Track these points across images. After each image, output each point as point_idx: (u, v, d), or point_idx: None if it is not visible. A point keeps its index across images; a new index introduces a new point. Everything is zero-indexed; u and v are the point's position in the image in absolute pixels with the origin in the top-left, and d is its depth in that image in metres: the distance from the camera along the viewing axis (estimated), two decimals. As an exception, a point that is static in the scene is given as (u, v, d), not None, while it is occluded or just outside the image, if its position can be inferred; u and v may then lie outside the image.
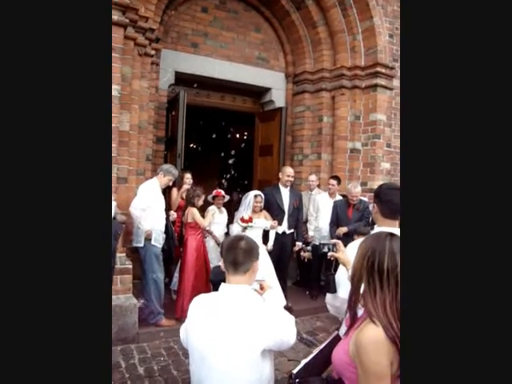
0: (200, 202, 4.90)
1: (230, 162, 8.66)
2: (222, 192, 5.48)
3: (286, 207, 5.38)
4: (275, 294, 1.98)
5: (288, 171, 5.47)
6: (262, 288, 2.01)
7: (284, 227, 5.35)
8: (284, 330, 1.78)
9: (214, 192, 5.49)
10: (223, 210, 5.49)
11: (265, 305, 1.83)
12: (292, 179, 5.48)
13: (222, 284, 1.85)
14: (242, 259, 1.81)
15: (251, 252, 1.84)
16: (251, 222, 4.87)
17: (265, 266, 4.55)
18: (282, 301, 4.13)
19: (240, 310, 1.74)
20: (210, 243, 5.27)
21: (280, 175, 5.55)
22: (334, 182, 5.75)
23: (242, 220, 4.89)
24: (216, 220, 5.31)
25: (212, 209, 5.30)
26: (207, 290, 4.69)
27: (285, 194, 5.43)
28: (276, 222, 5.14)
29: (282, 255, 5.34)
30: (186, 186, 5.16)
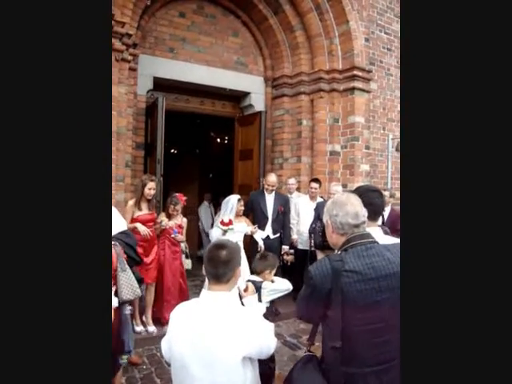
0: (173, 211, 4.73)
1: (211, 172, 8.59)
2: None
3: (269, 213, 5.36)
4: (255, 301, 1.97)
5: (269, 180, 5.42)
6: (246, 290, 2.00)
7: (268, 232, 5.34)
8: (264, 337, 1.78)
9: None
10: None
11: (245, 312, 1.82)
12: (273, 188, 5.42)
13: (203, 291, 1.84)
14: (223, 271, 1.78)
15: (233, 261, 1.81)
16: (231, 224, 4.82)
17: (243, 273, 4.53)
18: (260, 308, 4.14)
19: (220, 317, 1.73)
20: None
21: (263, 182, 5.57)
22: (316, 185, 5.71)
23: (222, 223, 4.80)
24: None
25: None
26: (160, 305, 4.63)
27: (269, 199, 5.42)
28: (256, 227, 5.10)
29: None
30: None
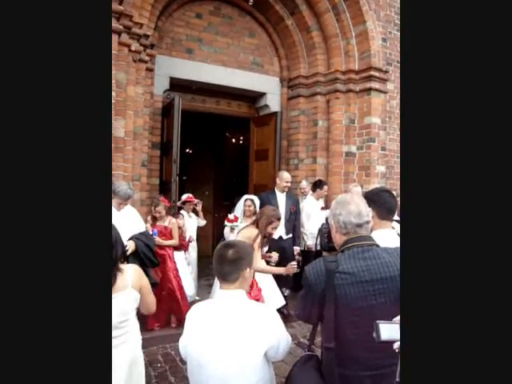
0: (155, 213, 4.77)
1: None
2: (194, 198, 5.51)
3: (282, 213, 5.33)
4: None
5: (286, 177, 5.44)
6: None
7: (281, 232, 5.31)
8: (280, 332, 1.79)
9: (185, 197, 5.48)
10: (192, 214, 5.54)
11: (260, 309, 1.83)
12: (289, 185, 5.46)
13: (217, 290, 1.85)
14: (229, 269, 1.79)
15: (240, 261, 1.81)
16: (236, 221, 4.88)
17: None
18: (280, 301, 4.12)
19: (236, 315, 1.74)
20: (193, 255, 5.31)
21: (277, 181, 5.52)
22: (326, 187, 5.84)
23: (228, 220, 4.92)
24: (186, 225, 5.32)
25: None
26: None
27: (281, 199, 5.40)
28: None
29: (281, 259, 5.32)
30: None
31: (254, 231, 3.59)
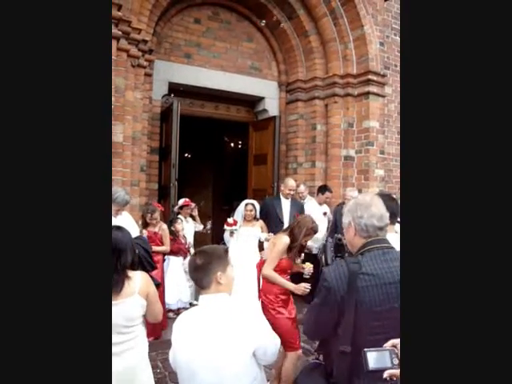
0: (151, 219, 4.65)
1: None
2: (191, 202, 5.46)
3: (285, 219, 5.31)
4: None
5: (290, 185, 5.41)
6: None
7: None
8: (265, 332, 1.79)
9: (183, 201, 5.43)
10: (189, 219, 5.50)
11: (243, 309, 1.83)
12: (293, 192, 5.45)
13: (201, 296, 1.84)
14: (200, 276, 1.81)
15: (206, 266, 1.79)
16: (235, 225, 4.87)
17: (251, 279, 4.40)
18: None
19: (220, 317, 1.74)
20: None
21: (282, 187, 5.52)
22: (329, 194, 5.86)
23: (227, 224, 4.92)
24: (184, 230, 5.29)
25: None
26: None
27: (285, 205, 5.38)
28: (272, 234, 5.10)
29: None
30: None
31: (283, 238, 3.33)
